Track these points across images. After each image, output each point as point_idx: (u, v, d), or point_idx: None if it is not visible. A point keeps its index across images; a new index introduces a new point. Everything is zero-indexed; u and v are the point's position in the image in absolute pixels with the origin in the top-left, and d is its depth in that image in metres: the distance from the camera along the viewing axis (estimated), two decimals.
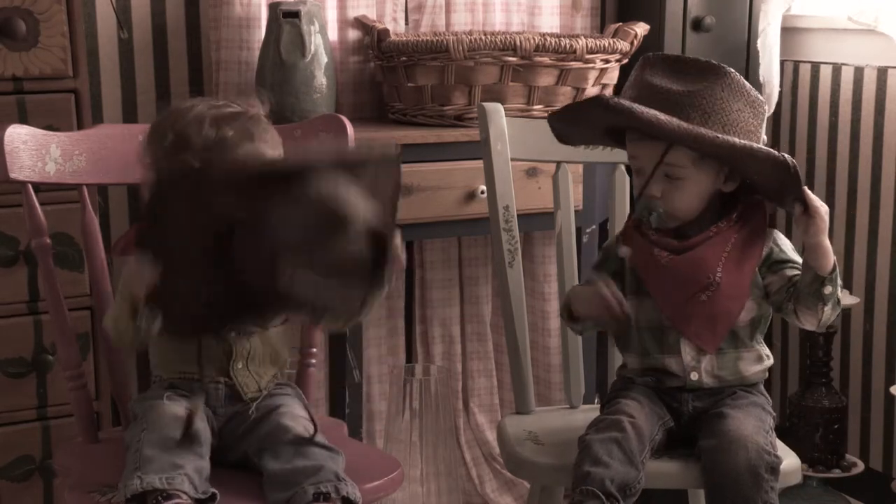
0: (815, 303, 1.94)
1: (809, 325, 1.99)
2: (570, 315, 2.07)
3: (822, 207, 1.93)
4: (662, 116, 1.88)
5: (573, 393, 2.30)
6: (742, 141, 1.92)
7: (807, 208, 1.92)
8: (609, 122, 1.99)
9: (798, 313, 1.97)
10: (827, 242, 1.92)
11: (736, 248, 2.00)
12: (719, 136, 1.90)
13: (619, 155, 2.21)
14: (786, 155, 1.93)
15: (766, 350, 2.07)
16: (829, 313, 1.95)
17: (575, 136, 2.11)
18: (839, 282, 1.95)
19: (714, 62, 1.97)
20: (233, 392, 1.95)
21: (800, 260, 2.00)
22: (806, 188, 1.92)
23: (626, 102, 1.90)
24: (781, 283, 2.00)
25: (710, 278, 1.98)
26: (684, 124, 1.89)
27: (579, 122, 2.05)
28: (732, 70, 1.96)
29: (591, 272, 2.14)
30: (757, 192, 2.02)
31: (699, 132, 1.89)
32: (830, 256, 1.93)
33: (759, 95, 1.98)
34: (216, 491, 1.77)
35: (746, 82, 1.97)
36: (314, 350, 2.19)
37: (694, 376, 2.01)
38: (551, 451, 2.05)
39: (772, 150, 1.93)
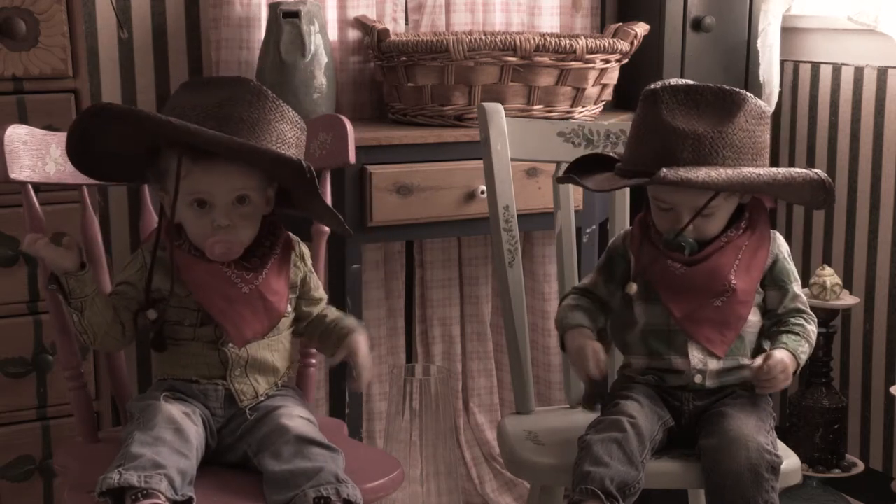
0: None
1: None
2: (562, 344, 2.10)
3: (777, 371, 1.97)
4: (713, 173, 1.89)
5: (573, 393, 2.30)
6: (782, 172, 1.94)
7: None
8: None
9: None
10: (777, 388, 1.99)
11: (746, 255, 2.02)
12: (761, 172, 1.93)
13: None
14: (818, 172, 1.96)
15: None
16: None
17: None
18: (805, 358, 2.01)
19: (726, 88, 1.97)
20: (231, 394, 1.95)
21: (796, 287, 2.06)
22: (769, 366, 1.97)
23: (682, 172, 1.88)
24: (772, 318, 2.06)
25: (725, 285, 2.00)
26: (731, 173, 1.90)
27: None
28: (747, 93, 1.97)
29: (593, 276, 2.14)
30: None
31: (745, 177, 1.91)
32: (788, 384, 2.01)
33: (766, 105, 2.00)
34: (193, 495, 1.77)
35: (757, 99, 1.98)
36: (314, 351, 2.19)
37: (698, 379, 2.02)
38: (551, 451, 2.05)
39: (806, 172, 1.95)
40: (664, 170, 1.88)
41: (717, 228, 2.02)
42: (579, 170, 2.09)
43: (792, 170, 1.96)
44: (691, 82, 2.00)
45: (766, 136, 1.99)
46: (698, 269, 2.01)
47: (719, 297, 2.00)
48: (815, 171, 1.96)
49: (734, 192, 1.98)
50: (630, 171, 1.99)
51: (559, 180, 2.17)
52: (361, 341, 1.99)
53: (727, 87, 1.97)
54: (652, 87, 2.00)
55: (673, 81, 2.01)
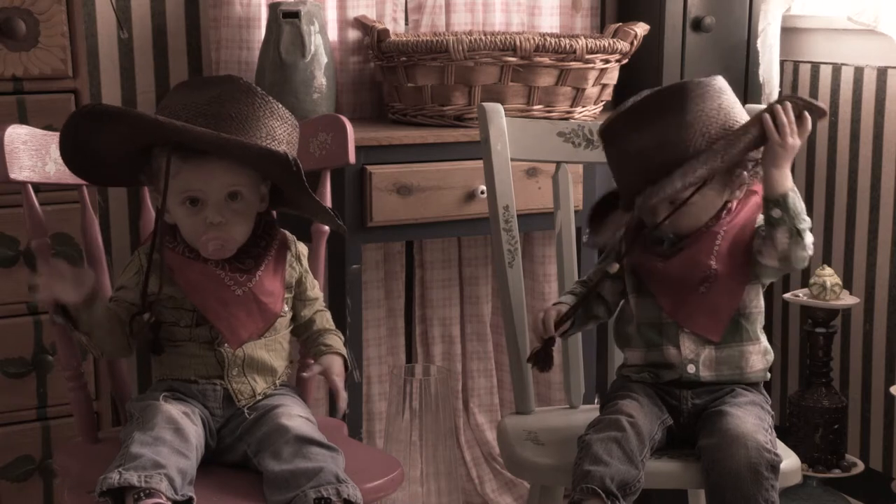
0: (768, 230, 1.97)
1: (769, 257, 1.99)
2: None
3: (788, 140, 1.95)
4: (696, 165, 1.91)
5: (573, 393, 2.30)
6: (750, 119, 1.96)
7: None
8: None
9: (761, 248, 2.00)
10: (781, 172, 1.95)
11: (727, 240, 2.03)
12: (732, 137, 1.93)
13: None
14: (784, 99, 1.98)
15: (767, 344, 2.08)
16: (784, 242, 1.96)
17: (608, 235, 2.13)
18: (799, 215, 1.96)
19: (662, 88, 2.01)
20: (230, 394, 1.95)
21: None
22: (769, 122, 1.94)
23: (658, 191, 1.91)
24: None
25: (706, 271, 2.01)
26: (703, 158, 1.92)
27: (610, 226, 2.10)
28: (686, 80, 2.00)
29: (591, 270, 2.16)
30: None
31: (724, 151, 1.92)
32: (780, 183, 1.95)
33: (717, 77, 2.01)
34: (193, 495, 1.77)
35: (701, 79, 1.99)
36: None
37: (691, 369, 2.02)
38: (551, 451, 2.05)
39: (773, 104, 1.97)
40: (638, 199, 1.93)
41: (695, 221, 2.02)
42: (597, 215, 2.12)
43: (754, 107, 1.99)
44: (632, 101, 2.02)
45: (726, 98, 1.99)
46: (674, 262, 2.03)
47: (702, 283, 2.02)
48: (783, 99, 1.97)
49: (724, 168, 1.96)
50: (627, 203, 2.02)
51: (591, 245, 2.18)
52: (335, 363, 1.99)
53: (664, 87, 2.01)
54: (601, 126, 2.05)
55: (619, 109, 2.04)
